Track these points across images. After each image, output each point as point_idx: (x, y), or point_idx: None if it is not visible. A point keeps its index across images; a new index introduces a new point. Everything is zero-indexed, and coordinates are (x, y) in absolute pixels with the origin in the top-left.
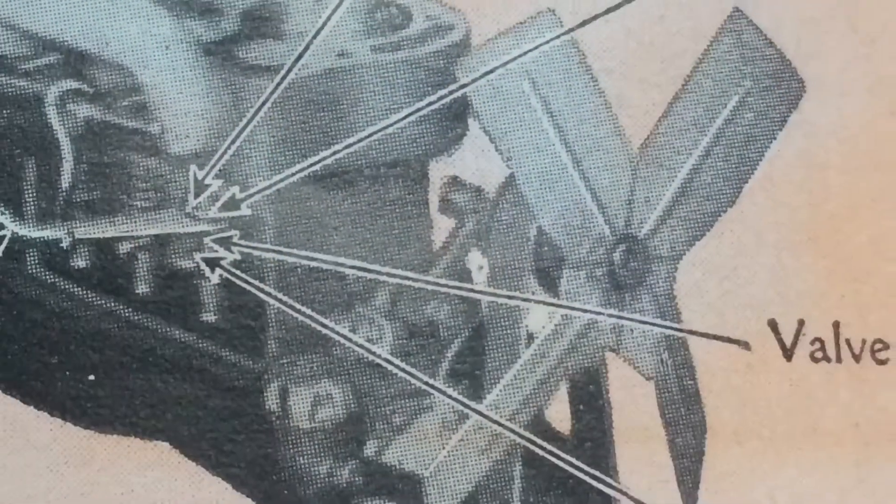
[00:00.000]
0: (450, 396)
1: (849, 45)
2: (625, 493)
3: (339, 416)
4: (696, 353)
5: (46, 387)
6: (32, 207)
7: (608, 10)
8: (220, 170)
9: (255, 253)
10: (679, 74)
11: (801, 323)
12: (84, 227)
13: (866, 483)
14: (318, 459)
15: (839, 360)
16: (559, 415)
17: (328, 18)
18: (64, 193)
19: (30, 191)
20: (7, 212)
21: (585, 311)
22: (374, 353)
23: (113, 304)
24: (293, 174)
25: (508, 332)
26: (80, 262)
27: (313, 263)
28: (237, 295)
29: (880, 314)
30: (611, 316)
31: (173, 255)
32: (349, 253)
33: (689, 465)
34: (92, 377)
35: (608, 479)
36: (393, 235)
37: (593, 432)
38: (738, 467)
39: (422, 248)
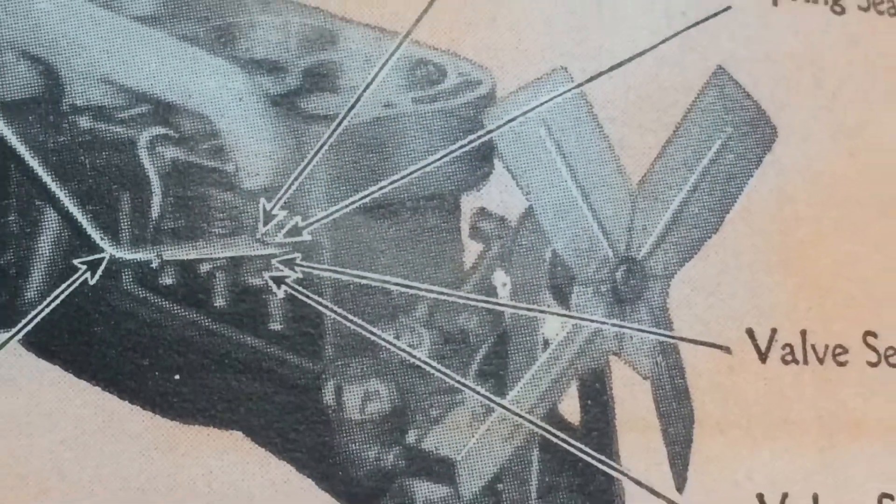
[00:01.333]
0: (478, 393)
1: (813, 98)
2: (625, 475)
3: (385, 410)
4: (686, 357)
5: (139, 385)
6: (127, 234)
7: (611, 68)
8: (285, 202)
9: (315, 272)
10: (671, 122)
11: (774, 331)
12: (171, 250)
13: (829, 467)
14: (368, 446)
15: (806, 362)
16: (570, 408)
17: (376, 75)
18: (154, 222)
19: (125, 220)
20: (106, 238)
21: (592, 321)
22: (414, 357)
23: (195, 316)
24: (346, 206)
25: (527, 338)
26: (167, 280)
27: (363, 281)
28: (299, 307)
29: (841, 324)
30: (614, 325)
31: (246, 274)
32: (393, 272)
33: (679, 450)
34: (177, 377)
35: (612, 463)
36: (430, 257)
37: (599, 423)
38: (721, 453)
39: (454, 268)
